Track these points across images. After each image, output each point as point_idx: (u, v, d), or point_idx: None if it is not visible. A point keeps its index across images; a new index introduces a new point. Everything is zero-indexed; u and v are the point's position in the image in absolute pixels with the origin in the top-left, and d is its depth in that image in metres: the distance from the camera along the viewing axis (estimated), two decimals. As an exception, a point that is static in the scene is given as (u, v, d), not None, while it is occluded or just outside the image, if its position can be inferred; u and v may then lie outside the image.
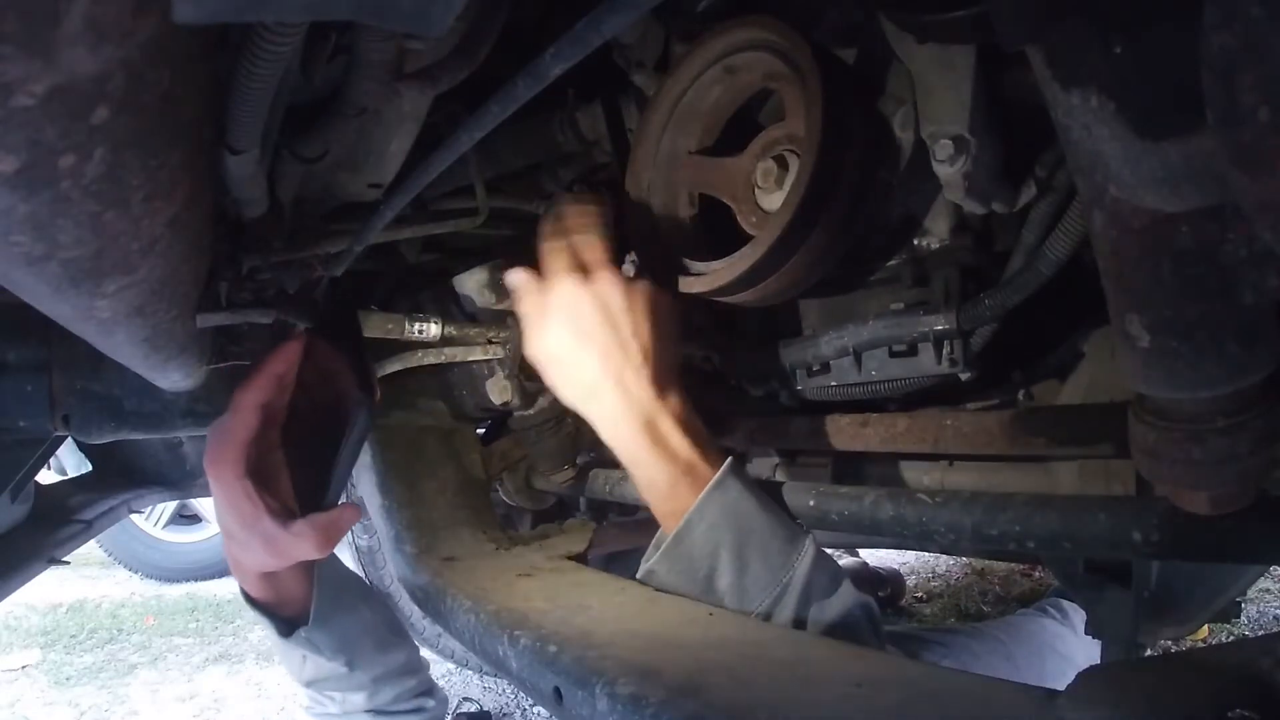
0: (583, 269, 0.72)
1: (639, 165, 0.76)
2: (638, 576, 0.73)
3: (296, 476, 0.75)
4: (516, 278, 0.76)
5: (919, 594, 2.43)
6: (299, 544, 0.71)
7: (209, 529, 3.35)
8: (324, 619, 0.82)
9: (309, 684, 0.87)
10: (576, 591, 0.80)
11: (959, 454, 0.74)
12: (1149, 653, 1.00)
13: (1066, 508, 0.57)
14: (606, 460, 1.06)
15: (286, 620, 0.82)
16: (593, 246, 0.73)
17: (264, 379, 0.71)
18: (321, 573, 0.82)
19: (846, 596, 0.67)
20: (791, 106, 0.66)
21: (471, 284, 0.97)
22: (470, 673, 2.17)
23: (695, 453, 0.69)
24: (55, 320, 0.48)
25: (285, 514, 0.71)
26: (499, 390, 0.99)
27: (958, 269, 0.66)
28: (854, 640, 0.64)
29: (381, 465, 1.09)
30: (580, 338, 0.70)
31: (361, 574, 1.62)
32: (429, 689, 0.96)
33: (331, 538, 0.72)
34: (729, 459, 0.69)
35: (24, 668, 2.39)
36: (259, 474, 0.70)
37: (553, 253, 0.74)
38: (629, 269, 0.76)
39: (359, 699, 0.89)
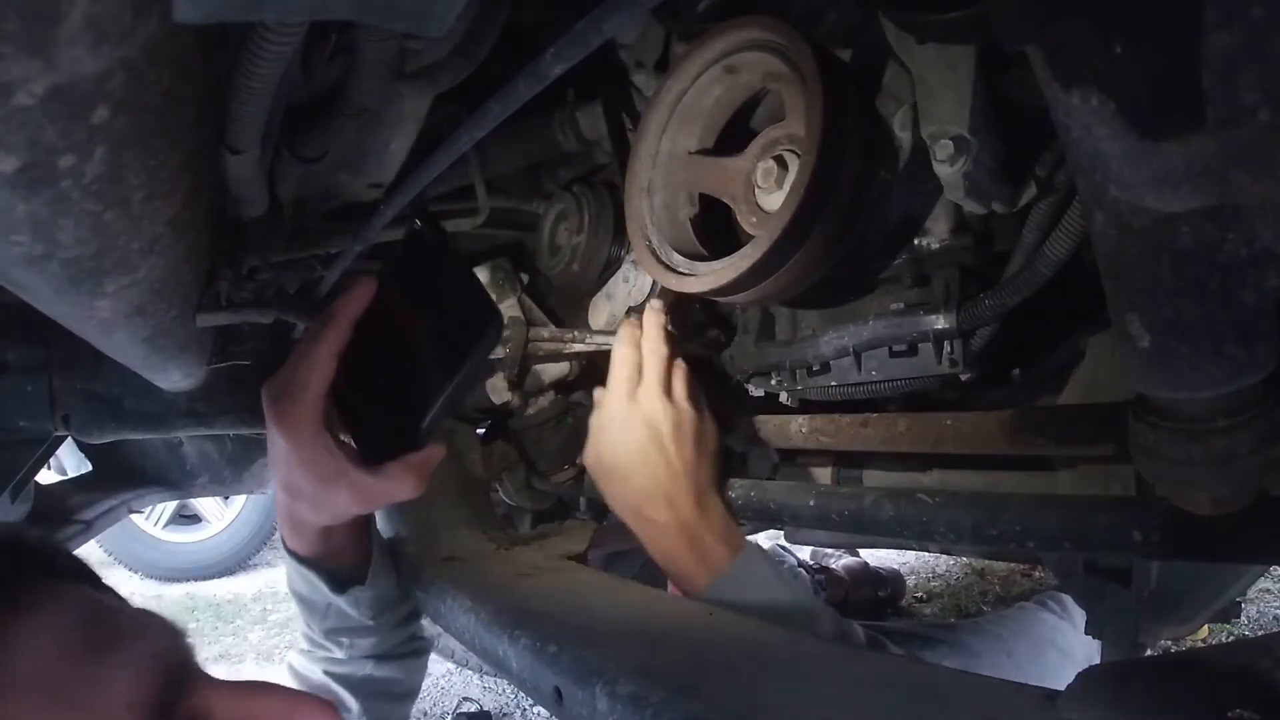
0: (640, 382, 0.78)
1: (639, 165, 0.76)
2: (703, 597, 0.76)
3: (375, 419, 0.72)
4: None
5: (919, 594, 2.43)
6: (394, 486, 0.70)
7: (209, 529, 3.35)
8: (375, 576, 0.83)
9: (327, 632, 0.87)
10: (576, 591, 0.80)
11: (959, 454, 0.74)
12: (1149, 653, 1.00)
13: (1066, 508, 0.57)
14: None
15: (330, 572, 0.82)
16: (653, 364, 0.78)
17: (338, 326, 0.68)
18: (373, 528, 0.83)
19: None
20: (791, 106, 0.66)
21: (471, 284, 0.97)
22: (470, 673, 2.17)
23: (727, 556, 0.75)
24: (55, 320, 0.48)
25: (364, 460, 0.70)
26: (498, 390, 0.99)
27: (958, 269, 0.66)
28: None
29: (381, 465, 1.09)
30: (631, 456, 0.77)
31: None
32: (422, 632, 0.99)
33: (425, 476, 0.71)
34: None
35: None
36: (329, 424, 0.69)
37: (618, 361, 0.80)
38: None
39: (367, 644, 0.89)
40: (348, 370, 0.70)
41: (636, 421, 0.77)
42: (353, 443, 0.71)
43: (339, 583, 0.82)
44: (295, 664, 0.90)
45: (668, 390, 0.78)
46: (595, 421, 0.81)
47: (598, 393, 0.82)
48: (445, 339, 0.67)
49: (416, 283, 0.69)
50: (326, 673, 0.88)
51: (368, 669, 0.89)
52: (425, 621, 0.97)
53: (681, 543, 0.75)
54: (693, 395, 0.80)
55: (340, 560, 0.82)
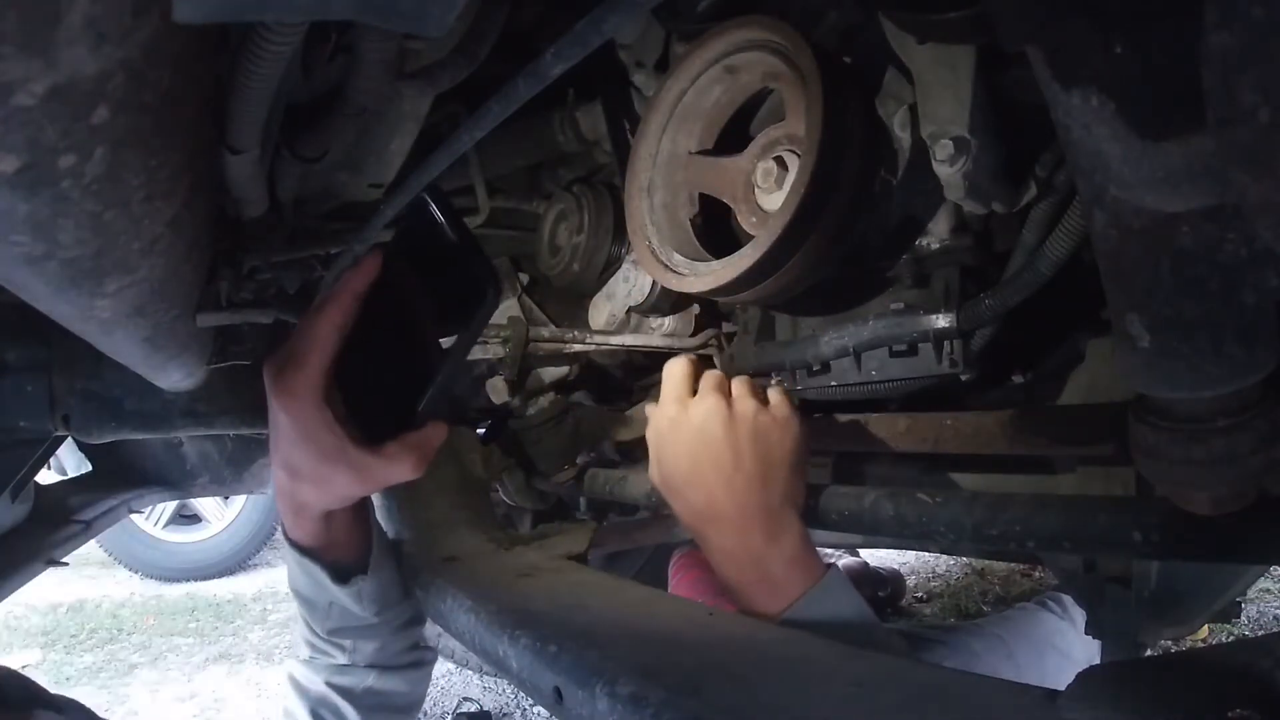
0: (725, 390, 0.71)
1: (639, 165, 0.76)
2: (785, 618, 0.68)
3: (375, 397, 0.70)
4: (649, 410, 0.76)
5: (919, 594, 2.43)
6: (394, 466, 0.68)
7: (209, 529, 3.36)
8: (377, 566, 0.81)
9: (330, 633, 0.85)
10: (576, 591, 0.80)
11: (959, 454, 0.74)
12: (1149, 653, 1.00)
13: (1066, 508, 0.57)
14: (606, 460, 1.06)
15: (332, 565, 0.79)
16: (709, 371, 0.73)
17: (345, 299, 0.65)
18: (373, 518, 0.81)
19: None
20: (792, 106, 0.66)
21: (471, 284, 0.97)
22: (470, 673, 2.17)
23: (800, 588, 0.68)
24: (55, 320, 0.48)
25: (365, 439, 0.68)
26: (498, 391, 0.99)
27: (958, 269, 0.66)
28: None
29: (381, 465, 1.09)
30: (683, 469, 0.71)
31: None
32: (425, 642, 0.97)
33: (426, 455, 0.69)
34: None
35: (24, 668, 2.39)
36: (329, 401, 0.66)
37: (669, 372, 0.73)
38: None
39: (370, 648, 0.87)
40: (348, 347, 0.68)
41: (686, 428, 0.70)
42: (352, 422, 0.69)
43: (341, 574, 0.80)
44: (296, 674, 0.88)
45: (724, 390, 0.71)
46: (649, 438, 0.75)
47: (649, 408, 0.76)
48: (446, 315, 0.65)
49: (420, 257, 0.67)
50: (328, 683, 0.86)
51: (369, 680, 0.87)
52: (427, 624, 0.96)
53: (748, 575, 0.68)
54: (757, 392, 0.72)
55: (342, 552, 0.80)
